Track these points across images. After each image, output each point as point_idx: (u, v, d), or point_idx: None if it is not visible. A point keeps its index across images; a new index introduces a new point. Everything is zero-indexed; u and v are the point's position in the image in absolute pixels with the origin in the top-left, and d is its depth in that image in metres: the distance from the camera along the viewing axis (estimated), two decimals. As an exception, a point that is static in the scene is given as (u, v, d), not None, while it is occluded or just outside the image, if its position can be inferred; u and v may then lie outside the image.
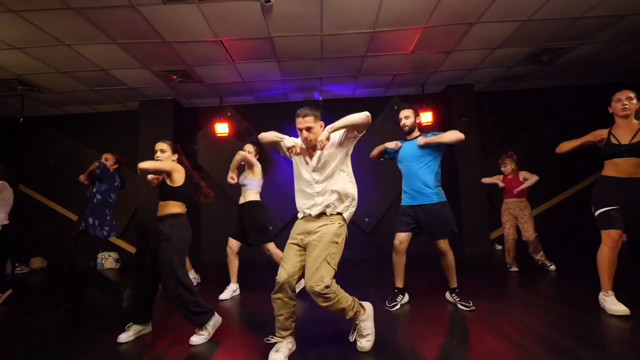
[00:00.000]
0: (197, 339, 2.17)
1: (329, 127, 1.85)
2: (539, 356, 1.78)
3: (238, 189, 3.29)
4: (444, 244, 2.63)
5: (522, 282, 3.42)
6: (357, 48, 4.13)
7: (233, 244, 3.29)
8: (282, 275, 1.84)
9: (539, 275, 3.57)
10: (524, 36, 4.00)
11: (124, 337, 2.25)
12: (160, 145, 2.41)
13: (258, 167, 3.33)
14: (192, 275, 3.83)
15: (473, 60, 4.65)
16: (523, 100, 5.90)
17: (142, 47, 3.85)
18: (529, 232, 3.72)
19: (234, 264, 3.30)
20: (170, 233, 2.22)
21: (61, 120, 5.97)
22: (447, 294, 2.79)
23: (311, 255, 1.81)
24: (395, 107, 5.94)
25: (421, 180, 2.60)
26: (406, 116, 2.68)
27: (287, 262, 1.87)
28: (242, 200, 3.33)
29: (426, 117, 5.35)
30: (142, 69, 4.41)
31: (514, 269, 3.80)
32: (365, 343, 1.89)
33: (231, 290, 3.26)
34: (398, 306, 2.67)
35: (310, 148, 1.94)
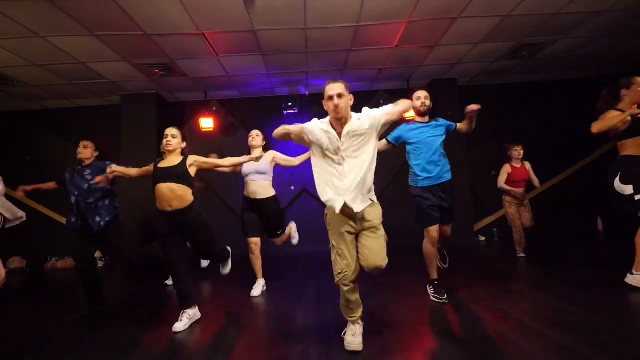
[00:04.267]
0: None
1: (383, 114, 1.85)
2: (516, 342, 1.86)
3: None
4: (449, 230, 2.77)
5: (506, 271, 3.53)
6: (341, 42, 4.12)
7: (257, 241, 3.14)
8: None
9: (524, 264, 3.72)
10: (505, 31, 4.07)
11: (179, 327, 2.28)
12: (171, 131, 2.49)
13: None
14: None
15: (456, 54, 4.71)
16: (506, 94, 6.03)
17: (121, 39, 3.74)
18: (529, 221, 3.99)
19: (259, 260, 3.18)
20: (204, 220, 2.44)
21: (39, 115, 5.77)
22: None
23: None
24: (381, 101, 5.98)
25: (442, 159, 2.66)
26: (426, 96, 2.68)
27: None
28: (262, 195, 3.08)
29: (411, 112, 5.38)
30: (122, 62, 4.29)
31: (522, 254, 4.00)
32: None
33: (261, 286, 3.18)
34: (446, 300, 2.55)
35: (340, 122, 1.83)
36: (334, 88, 1.80)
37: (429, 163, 2.62)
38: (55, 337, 2.35)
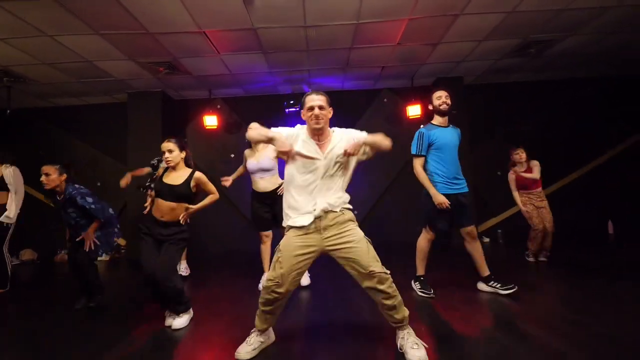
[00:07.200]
0: (180, 322, 2.29)
1: (364, 137, 1.76)
2: (505, 344, 1.82)
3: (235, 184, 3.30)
4: (475, 229, 2.68)
5: (505, 274, 3.45)
6: (342, 40, 4.10)
7: (269, 233, 3.24)
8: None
9: (526, 267, 3.65)
10: (510, 28, 3.97)
11: (177, 324, 2.28)
12: (167, 145, 2.35)
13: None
14: (184, 266, 3.88)
15: (461, 52, 4.63)
16: (514, 93, 5.89)
17: (125, 38, 3.81)
18: (550, 223, 3.76)
19: (269, 253, 3.23)
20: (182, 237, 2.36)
21: (49, 112, 5.95)
22: (482, 285, 2.75)
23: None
24: (385, 99, 5.93)
25: (458, 169, 2.68)
26: (447, 95, 2.66)
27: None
28: (271, 187, 3.16)
29: (415, 110, 5.35)
30: (127, 60, 4.38)
31: (531, 258, 3.85)
32: (423, 354, 1.67)
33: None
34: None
35: (318, 132, 1.81)
36: (316, 99, 1.80)
37: (450, 165, 2.64)
38: (46, 328, 2.43)
